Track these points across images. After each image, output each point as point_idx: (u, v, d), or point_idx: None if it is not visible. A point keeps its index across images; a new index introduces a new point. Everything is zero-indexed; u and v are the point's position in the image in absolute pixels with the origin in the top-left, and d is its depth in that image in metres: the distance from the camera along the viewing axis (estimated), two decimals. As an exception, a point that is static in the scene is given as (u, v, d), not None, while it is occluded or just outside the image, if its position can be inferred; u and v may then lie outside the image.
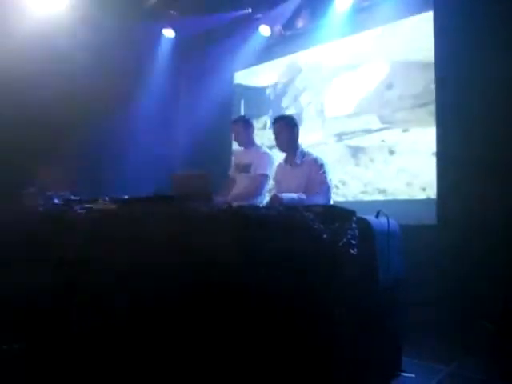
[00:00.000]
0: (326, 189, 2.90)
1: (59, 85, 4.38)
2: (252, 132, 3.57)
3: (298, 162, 3.00)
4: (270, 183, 3.41)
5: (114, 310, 2.03)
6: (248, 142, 3.54)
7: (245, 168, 3.47)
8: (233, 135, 3.64)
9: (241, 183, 3.45)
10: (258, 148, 3.56)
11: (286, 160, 3.11)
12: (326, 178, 2.91)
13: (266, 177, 3.34)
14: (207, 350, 1.78)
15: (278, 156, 3.29)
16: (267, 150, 3.54)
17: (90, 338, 2.05)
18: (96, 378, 1.97)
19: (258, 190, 3.31)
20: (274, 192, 3.14)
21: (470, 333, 3.16)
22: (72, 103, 4.50)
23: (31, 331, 2.20)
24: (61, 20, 4.53)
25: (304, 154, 3.02)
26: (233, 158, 3.72)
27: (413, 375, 2.48)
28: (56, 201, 2.66)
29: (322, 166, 2.93)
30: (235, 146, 3.91)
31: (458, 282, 3.52)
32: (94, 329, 2.05)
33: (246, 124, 3.54)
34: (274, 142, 3.13)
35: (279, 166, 3.21)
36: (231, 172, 3.65)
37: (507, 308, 3.10)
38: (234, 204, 2.25)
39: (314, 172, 2.91)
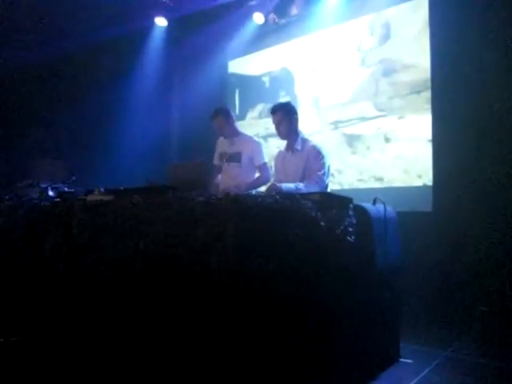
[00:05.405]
0: (324, 176, 2.90)
1: (49, 76, 4.32)
2: (234, 121, 3.51)
3: (299, 147, 3.00)
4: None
5: (112, 304, 2.02)
6: (232, 131, 3.47)
7: (233, 157, 3.43)
8: (216, 130, 3.50)
9: (230, 172, 3.43)
10: (246, 136, 3.51)
11: (287, 148, 3.11)
12: (323, 164, 2.91)
13: (267, 164, 3.41)
14: (204, 341, 1.78)
15: (278, 144, 3.24)
16: (255, 138, 3.54)
17: (89, 332, 2.04)
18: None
19: (268, 179, 3.34)
20: (272, 181, 3.15)
21: (466, 317, 3.19)
22: (64, 94, 4.45)
23: (28, 325, 2.20)
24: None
25: (304, 141, 3.03)
26: (217, 147, 3.62)
27: (410, 361, 2.50)
28: (51, 193, 2.64)
29: (320, 152, 2.93)
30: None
31: (453, 268, 3.55)
32: (92, 322, 2.05)
33: (226, 115, 3.45)
34: (269, 132, 3.12)
35: (279, 153, 3.20)
36: (216, 161, 3.59)
37: (503, 292, 3.14)
38: (232, 193, 2.24)
39: (312, 159, 2.92)
